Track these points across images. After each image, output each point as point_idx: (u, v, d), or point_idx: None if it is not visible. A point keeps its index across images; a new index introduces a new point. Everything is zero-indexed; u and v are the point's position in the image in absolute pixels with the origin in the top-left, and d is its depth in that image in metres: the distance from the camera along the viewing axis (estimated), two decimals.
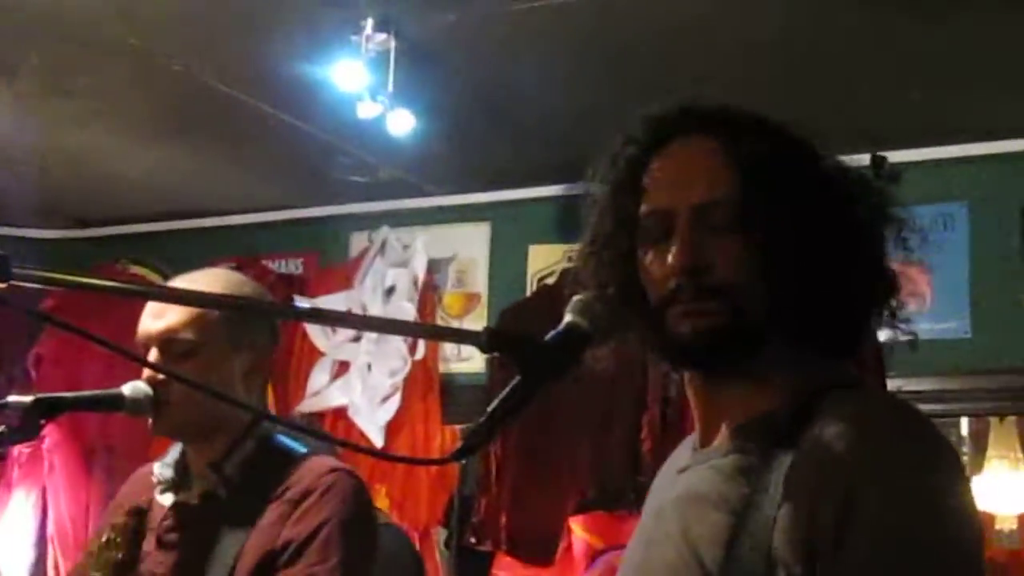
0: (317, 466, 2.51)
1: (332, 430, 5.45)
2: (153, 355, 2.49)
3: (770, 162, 1.66)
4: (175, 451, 2.65)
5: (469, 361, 5.49)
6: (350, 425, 5.51)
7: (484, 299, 5.65)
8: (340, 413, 5.59)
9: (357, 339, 5.60)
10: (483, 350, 1.51)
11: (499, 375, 5.09)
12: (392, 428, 5.47)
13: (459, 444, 1.49)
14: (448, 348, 5.56)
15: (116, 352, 1.46)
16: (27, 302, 1.42)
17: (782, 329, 1.66)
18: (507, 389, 1.48)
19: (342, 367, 5.66)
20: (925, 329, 3.84)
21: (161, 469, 2.62)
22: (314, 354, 5.69)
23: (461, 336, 1.65)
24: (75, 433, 6.01)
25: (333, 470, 2.50)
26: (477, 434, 1.48)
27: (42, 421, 2.30)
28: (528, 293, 5.48)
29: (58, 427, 5.84)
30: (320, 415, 5.61)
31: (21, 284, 1.33)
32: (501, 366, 5.04)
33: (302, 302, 5.57)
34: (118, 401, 2.45)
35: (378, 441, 5.41)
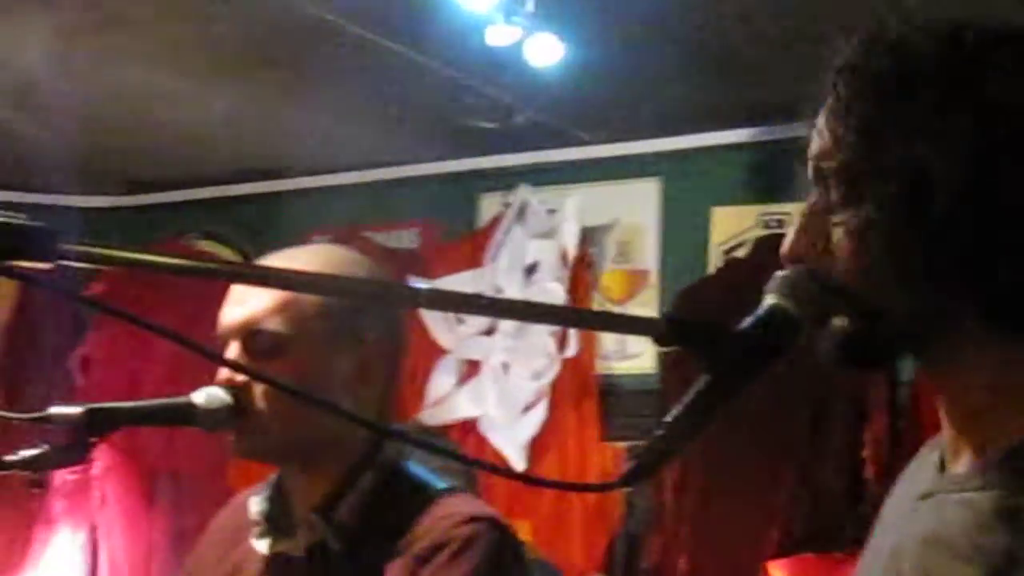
0: (453, 511, 2.46)
1: (459, 449, 5.48)
2: (234, 352, 2.48)
3: (885, 111, 1.59)
4: (273, 480, 2.63)
5: (636, 359, 5.50)
6: (482, 442, 5.56)
7: (654, 278, 5.65)
8: (469, 427, 5.64)
9: (490, 332, 5.63)
10: (660, 343, 1.49)
11: (673, 376, 5.08)
12: (537, 446, 5.51)
13: (626, 467, 1.47)
14: (609, 342, 5.58)
15: (183, 346, 1.39)
16: (72, 287, 1.41)
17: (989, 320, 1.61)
18: (691, 393, 1.46)
19: (471, 368, 5.70)
20: None
21: (256, 505, 2.57)
22: (435, 351, 5.74)
23: (630, 325, 1.63)
24: (133, 454, 6.14)
25: (473, 519, 2.44)
26: (650, 453, 1.46)
27: (92, 439, 2.31)
28: (711, 269, 5.46)
29: (111, 447, 5.94)
30: (443, 429, 5.65)
31: (69, 263, 1.32)
32: (674, 365, 5.03)
33: (418, 284, 5.60)
34: (189, 412, 2.41)
35: (519, 462, 5.45)
